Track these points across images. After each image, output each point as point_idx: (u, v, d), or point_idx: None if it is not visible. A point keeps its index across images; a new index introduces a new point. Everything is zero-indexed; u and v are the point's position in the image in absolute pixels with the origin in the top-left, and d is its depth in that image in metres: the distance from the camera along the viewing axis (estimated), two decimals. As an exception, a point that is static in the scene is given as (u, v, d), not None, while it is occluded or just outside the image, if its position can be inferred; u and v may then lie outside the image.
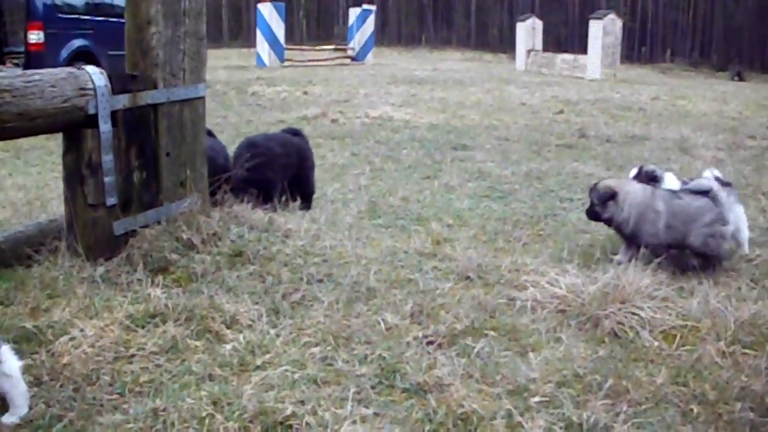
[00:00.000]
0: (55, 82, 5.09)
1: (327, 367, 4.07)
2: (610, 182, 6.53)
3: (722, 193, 6.31)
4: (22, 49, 15.89)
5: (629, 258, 6.16)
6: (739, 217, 6.66)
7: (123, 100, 5.42)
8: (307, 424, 3.47)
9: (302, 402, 3.64)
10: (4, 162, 11.03)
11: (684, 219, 6.18)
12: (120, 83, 5.46)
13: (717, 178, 6.68)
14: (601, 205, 6.33)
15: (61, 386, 3.85)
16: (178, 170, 5.87)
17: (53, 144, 11.90)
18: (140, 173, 5.60)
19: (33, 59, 14.84)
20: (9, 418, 3.56)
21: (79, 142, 5.28)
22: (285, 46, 32.27)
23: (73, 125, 5.25)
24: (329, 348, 4.26)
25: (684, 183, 6.77)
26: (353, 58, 34.47)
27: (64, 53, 15.73)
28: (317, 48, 35.99)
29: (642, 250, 6.17)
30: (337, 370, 4.02)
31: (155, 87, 5.65)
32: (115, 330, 4.40)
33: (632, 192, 6.33)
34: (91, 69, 5.35)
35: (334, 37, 42.73)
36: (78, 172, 5.32)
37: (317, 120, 14.26)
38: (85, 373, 3.96)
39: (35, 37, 15.33)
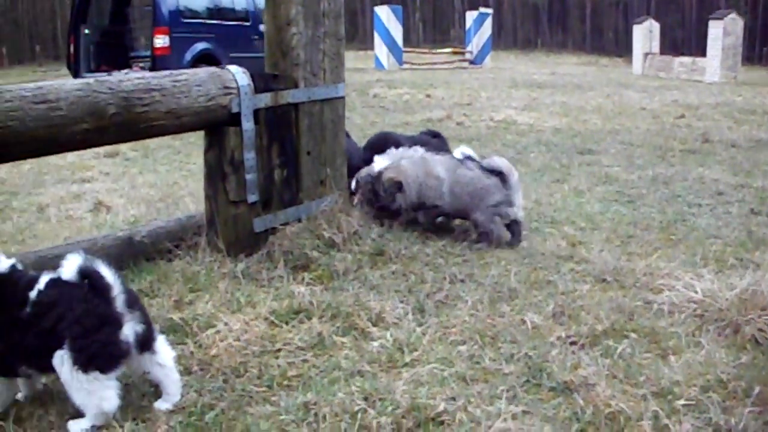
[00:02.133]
0: (200, 82, 5.21)
1: (474, 365, 4.07)
2: (389, 173, 6.45)
3: (514, 175, 6.41)
4: (146, 53, 16.28)
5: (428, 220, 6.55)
6: None
7: (265, 99, 5.51)
8: (460, 420, 3.47)
9: (453, 399, 3.65)
10: (134, 161, 11.33)
11: (470, 191, 6.30)
12: (262, 82, 5.55)
13: (467, 156, 6.73)
14: (390, 198, 6.40)
15: (210, 377, 3.93)
16: (319, 169, 5.97)
17: (179, 144, 12.20)
18: (281, 171, 5.70)
19: (158, 62, 15.21)
20: (162, 405, 3.65)
21: (221, 139, 5.39)
22: (403, 48, 32.35)
23: (216, 123, 5.36)
24: (476, 346, 4.27)
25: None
26: (471, 62, 34.30)
27: (188, 56, 16.08)
28: (435, 51, 35.97)
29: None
30: (485, 369, 4.02)
31: (296, 86, 5.75)
32: (260, 325, 4.48)
33: (414, 172, 6.40)
34: (234, 68, 5.46)
35: (450, 40, 42.62)
36: (220, 170, 5.42)
37: (442, 122, 14.25)
38: (233, 366, 4.03)
39: (161, 41, 15.73)
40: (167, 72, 5.29)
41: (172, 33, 15.84)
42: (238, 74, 5.41)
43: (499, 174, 6.29)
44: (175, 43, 15.95)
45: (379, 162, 6.71)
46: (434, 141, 7.82)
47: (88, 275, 3.46)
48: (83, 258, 3.49)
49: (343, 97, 6.15)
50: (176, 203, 8.06)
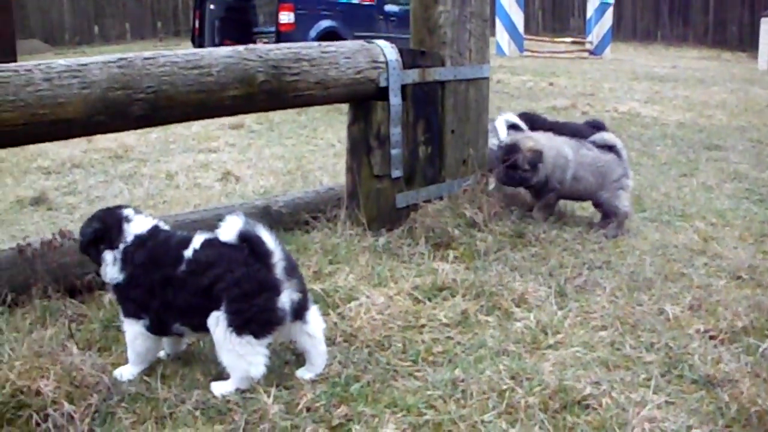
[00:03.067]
0: (349, 54, 5.25)
1: (616, 351, 4.03)
2: (528, 142, 6.08)
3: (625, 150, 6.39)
4: (270, 29, 16.40)
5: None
6: None
7: (413, 75, 5.52)
8: (606, 405, 3.43)
9: (597, 383, 3.62)
10: (260, 134, 11.49)
11: (593, 172, 6.17)
12: (409, 58, 5.55)
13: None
14: (532, 170, 6.00)
15: (355, 349, 3.95)
16: (462, 148, 5.95)
17: (304, 119, 12.33)
18: (425, 148, 5.71)
19: (283, 39, 15.27)
20: (305, 374, 3.67)
21: (367, 113, 5.41)
22: (524, 36, 32.04)
23: (363, 97, 5.40)
24: (616, 333, 4.23)
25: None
26: (591, 52, 33.75)
27: (312, 33, 16.12)
28: (556, 40, 35.53)
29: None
30: (626, 356, 3.98)
31: (443, 64, 5.74)
32: (403, 300, 4.50)
33: (548, 145, 6.13)
34: (382, 43, 5.49)
35: (569, 29, 42.04)
36: (365, 143, 5.44)
37: (567, 111, 14.08)
38: (377, 339, 4.05)
39: (286, 17, 15.82)
40: (316, 43, 5.34)
41: (297, 9, 15.92)
42: (387, 49, 5.42)
43: (612, 148, 6.25)
44: (299, 20, 16.03)
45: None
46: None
47: (248, 239, 3.48)
48: (244, 221, 3.51)
49: (487, 78, 6.12)
50: (306, 176, 8.16)
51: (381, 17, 17.84)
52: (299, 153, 9.79)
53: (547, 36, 37.77)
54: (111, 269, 3.66)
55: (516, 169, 6.00)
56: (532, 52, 31.61)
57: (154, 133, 11.25)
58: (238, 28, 17.24)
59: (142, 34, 36.92)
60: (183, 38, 33.00)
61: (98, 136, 10.24)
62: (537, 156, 5.98)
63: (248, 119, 12.07)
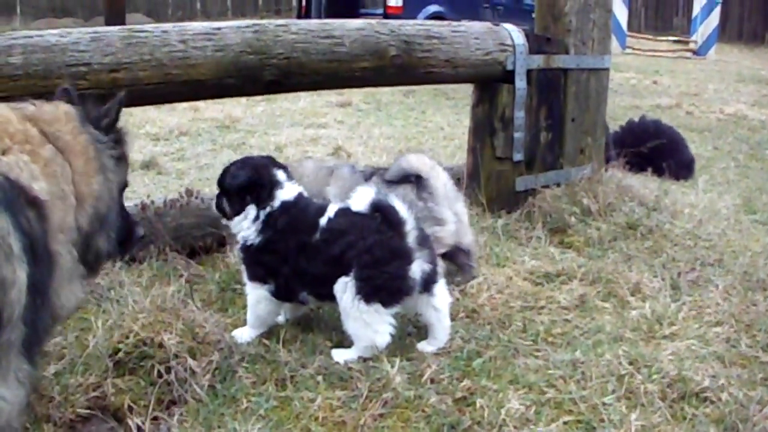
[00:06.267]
0: (478, 35, 5.33)
1: (731, 348, 3.98)
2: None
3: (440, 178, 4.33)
4: (378, 11, 16.44)
5: None
6: None
7: (538, 61, 5.56)
8: (725, 400, 3.40)
9: (714, 377, 3.58)
10: (367, 113, 11.55)
11: None
12: (535, 44, 5.59)
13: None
14: None
15: (477, 325, 4.01)
16: (581, 137, 5.96)
17: (412, 101, 12.37)
18: (546, 134, 5.75)
19: (390, 21, 15.31)
20: (427, 347, 3.72)
21: (493, 95, 5.48)
22: (627, 33, 31.58)
23: (489, 78, 5.47)
24: (731, 330, 4.17)
25: None
26: (695, 52, 33.05)
27: (421, 17, 16.14)
28: (659, 38, 34.89)
29: None
30: (741, 354, 3.93)
31: (566, 52, 5.76)
32: (522, 281, 4.55)
33: None
34: (510, 27, 5.55)
35: (672, 28, 41.18)
36: (489, 125, 5.51)
37: (672, 110, 13.85)
38: (498, 317, 4.10)
39: (395, 0, 15.88)
40: (446, 22, 5.42)
41: (406, -7, 16.04)
42: (514, 33, 5.48)
43: (414, 180, 4.32)
44: (407, 3, 16.11)
45: None
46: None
47: (381, 208, 3.54)
48: (376, 191, 3.57)
49: (608, 69, 6.12)
50: (419, 156, 8.19)
51: (487, 5, 17.82)
52: (409, 134, 9.88)
53: (648, 34, 37.07)
54: (248, 229, 3.71)
55: None
56: (634, 49, 31.14)
57: (261, 107, 11.40)
58: (345, 7, 17.28)
59: (243, 12, 37.21)
60: (284, 17, 33.16)
61: (205, 107, 10.50)
62: None
63: (355, 98, 12.15)
